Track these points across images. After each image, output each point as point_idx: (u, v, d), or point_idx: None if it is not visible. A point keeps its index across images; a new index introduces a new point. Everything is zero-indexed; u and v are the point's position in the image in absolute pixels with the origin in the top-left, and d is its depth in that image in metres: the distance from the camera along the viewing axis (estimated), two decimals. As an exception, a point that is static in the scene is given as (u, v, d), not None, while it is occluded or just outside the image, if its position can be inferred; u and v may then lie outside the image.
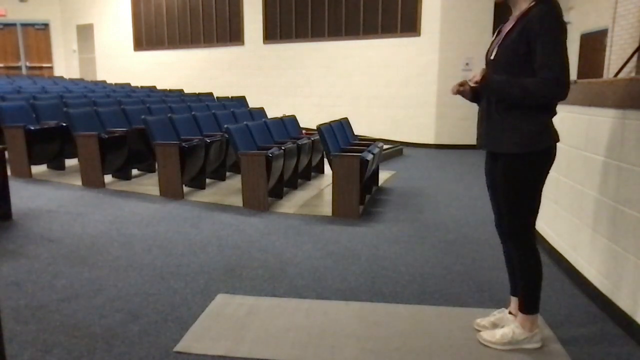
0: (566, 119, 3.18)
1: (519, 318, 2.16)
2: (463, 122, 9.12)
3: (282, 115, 6.46)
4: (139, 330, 2.30)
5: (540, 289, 2.12)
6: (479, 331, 2.29)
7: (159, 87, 11.47)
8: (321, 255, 3.36)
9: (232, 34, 11.50)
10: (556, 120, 2.08)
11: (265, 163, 4.41)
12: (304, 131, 6.66)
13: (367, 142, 5.67)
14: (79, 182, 5.40)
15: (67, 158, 6.13)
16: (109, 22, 13.31)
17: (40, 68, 14.35)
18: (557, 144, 2.06)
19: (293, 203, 4.82)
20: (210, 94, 10.48)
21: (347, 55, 10.12)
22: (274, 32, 10.99)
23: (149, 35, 12.70)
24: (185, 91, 11.00)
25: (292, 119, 6.59)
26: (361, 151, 4.67)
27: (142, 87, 11.44)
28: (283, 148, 4.76)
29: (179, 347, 2.15)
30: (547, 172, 2.07)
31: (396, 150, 8.42)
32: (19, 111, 6.00)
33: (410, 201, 5.00)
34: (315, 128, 4.84)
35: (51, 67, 14.41)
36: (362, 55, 9.94)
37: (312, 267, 3.13)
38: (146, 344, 2.18)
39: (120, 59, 13.24)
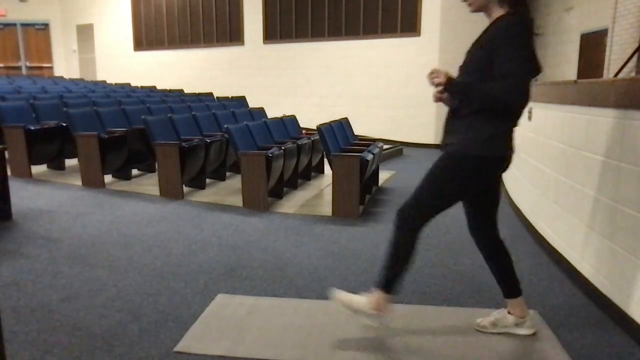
0: (566, 119, 3.18)
1: (373, 291, 2.16)
2: (463, 122, 9.11)
3: (282, 115, 6.46)
4: (139, 330, 2.30)
5: (401, 275, 2.13)
6: (480, 331, 2.30)
7: (159, 87, 11.47)
8: (321, 255, 3.36)
9: (232, 34, 11.50)
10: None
11: (265, 163, 4.41)
12: (304, 131, 6.65)
13: (367, 142, 5.67)
14: (79, 182, 5.40)
15: (67, 158, 6.13)
16: (109, 22, 13.31)
17: (40, 68, 14.35)
18: (511, 153, 2.05)
19: (293, 203, 4.82)
20: (210, 94, 10.48)
21: (347, 55, 10.12)
22: (274, 32, 10.99)
23: (149, 35, 12.69)
24: (185, 91, 10.99)
25: (292, 119, 6.59)
26: (361, 151, 4.67)
27: (142, 87, 11.43)
28: (283, 148, 4.76)
29: (179, 347, 2.15)
30: (483, 182, 2.07)
31: (396, 150, 8.42)
32: (19, 111, 5.99)
33: (410, 201, 4.99)
34: (315, 128, 4.84)
35: (51, 67, 14.41)
36: (362, 55, 9.94)
37: (312, 267, 3.13)
38: (146, 344, 2.18)
39: (120, 59, 13.24)
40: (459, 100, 2.03)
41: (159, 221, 4.10)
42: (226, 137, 5.17)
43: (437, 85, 2.00)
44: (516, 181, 4.67)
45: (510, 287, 2.26)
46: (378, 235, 3.81)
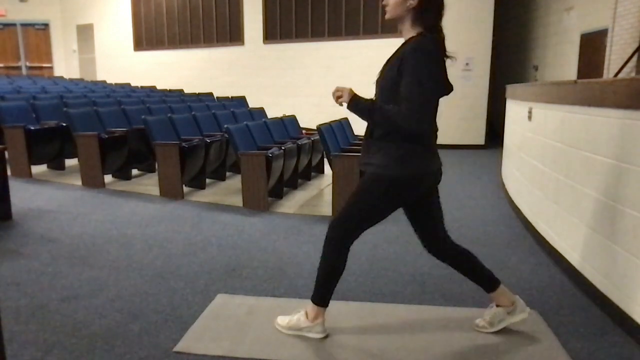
0: (566, 119, 3.18)
1: (308, 305, 2.22)
2: (463, 122, 9.12)
3: (282, 115, 6.46)
4: (139, 330, 2.30)
5: (333, 288, 2.17)
6: (479, 332, 2.30)
7: (159, 87, 11.47)
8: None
9: (232, 34, 11.50)
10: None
11: (265, 163, 4.41)
12: (304, 131, 6.65)
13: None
14: (79, 182, 5.40)
15: (67, 158, 6.13)
16: (109, 22, 13.30)
17: (40, 68, 14.34)
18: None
19: (293, 203, 4.82)
20: (210, 94, 10.48)
21: (347, 55, 10.12)
22: (274, 32, 10.99)
23: (149, 35, 12.69)
24: (185, 91, 10.99)
25: (292, 119, 6.59)
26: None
27: (142, 87, 11.43)
28: (283, 148, 4.76)
29: (178, 347, 2.15)
30: (403, 200, 2.10)
31: (396, 150, 8.40)
32: (19, 111, 6.00)
33: (410, 201, 4.99)
34: (315, 128, 4.84)
35: (51, 67, 14.40)
36: (362, 55, 9.93)
37: (312, 267, 3.12)
38: (146, 344, 2.18)
39: (120, 59, 13.23)
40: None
41: (159, 221, 4.10)
42: (226, 137, 5.17)
43: (340, 104, 2.03)
44: (516, 181, 4.67)
45: (486, 281, 2.28)
46: (378, 235, 3.81)
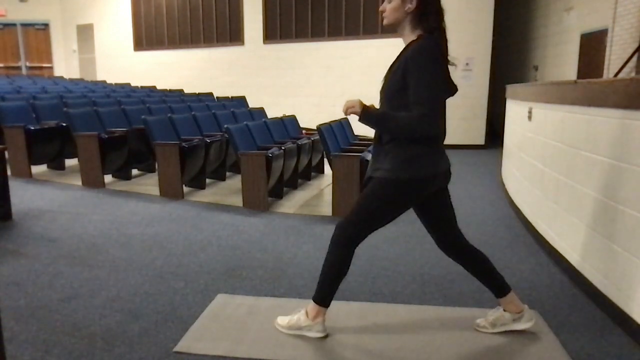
0: (566, 119, 3.18)
1: (309, 305, 2.24)
2: (463, 122, 9.12)
3: (282, 115, 6.46)
4: (139, 330, 2.30)
5: (336, 289, 2.19)
6: (480, 332, 2.30)
7: (159, 87, 11.47)
8: (321, 255, 3.34)
9: (232, 34, 11.50)
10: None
11: (265, 163, 4.41)
12: (304, 131, 6.65)
13: (367, 142, 5.67)
14: (79, 182, 5.40)
15: (67, 158, 6.13)
16: (109, 22, 13.30)
17: (40, 68, 14.33)
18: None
19: (293, 203, 4.82)
20: (210, 94, 10.47)
21: (347, 55, 10.12)
22: (274, 32, 10.99)
23: (149, 35, 12.69)
24: (185, 91, 10.99)
25: (292, 119, 6.59)
26: (361, 151, 4.67)
27: (142, 87, 11.43)
28: (283, 148, 4.76)
29: (179, 347, 2.15)
30: (411, 202, 2.11)
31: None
32: (19, 111, 6.00)
33: (410, 201, 4.99)
34: (315, 128, 4.84)
35: (51, 67, 14.40)
36: (362, 55, 9.93)
37: (312, 267, 3.13)
38: (146, 344, 2.18)
39: (120, 59, 13.23)
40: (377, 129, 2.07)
41: (159, 221, 4.10)
42: (226, 137, 5.17)
43: (351, 114, 2.03)
44: (516, 181, 4.67)
45: (497, 286, 2.27)
46: (378, 235, 3.81)
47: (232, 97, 10.06)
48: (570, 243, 3.04)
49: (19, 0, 13.88)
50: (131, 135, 5.56)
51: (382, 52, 9.71)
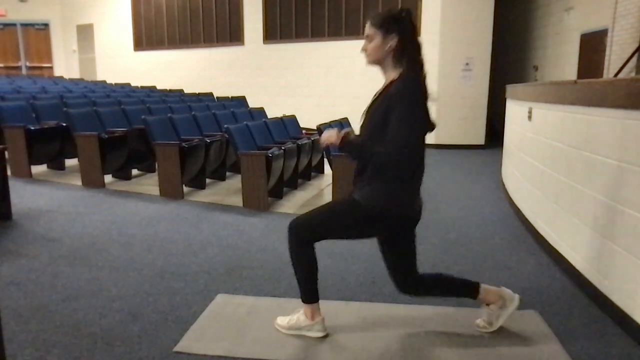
0: (566, 119, 3.18)
1: (304, 307, 2.24)
2: (463, 122, 9.11)
3: (282, 115, 6.45)
4: (139, 330, 2.30)
5: (316, 280, 2.20)
6: (480, 332, 2.31)
7: (159, 87, 11.47)
8: (320, 256, 3.34)
9: (232, 34, 11.50)
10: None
11: (265, 163, 4.41)
12: (304, 131, 6.65)
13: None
14: (79, 182, 5.40)
15: (67, 158, 6.12)
16: (109, 22, 13.30)
17: (40, 68, 14.34)
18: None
19: (293, 203, 4.82)
20: (210, 94, 10.47)
21: (347, 55, 10.11)
22: (274, 32, 10.99)
23: (149, 35, 12.69)
24: (185, 91, 10.99)
25: (292, 119, 6.59)
26: (361, 151, 4.66)
27: (142, 87, 11.43)
28: (283, 148, 4.76)
29: (179, 347, 2.15)
30: (375, 233, 2.14)
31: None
32: (19, 111, 5.99)
33: (410, 201, 4.99)
34: (315, 128, 4.84)
35: (51, 67, 14.40)
36: (362, 55, 9.91)
37: (312, 267, 3.13)
38: (146, 344, 2.18)
39: (120, 59, 13.23)
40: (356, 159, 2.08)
41: (159, 221, 4.10)
42: (226, 137, 5.17)
43: (330, 146, 2.04)
44: (516, 181, 4.67)
45: (467, 290, 2.27)
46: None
47: (232, 97, 10.06)
48: (570, 243, 3.04)
49: (19, 0, 13.88)
50: (131, 135, 5.56)
51: (382, 52, 9.71)
